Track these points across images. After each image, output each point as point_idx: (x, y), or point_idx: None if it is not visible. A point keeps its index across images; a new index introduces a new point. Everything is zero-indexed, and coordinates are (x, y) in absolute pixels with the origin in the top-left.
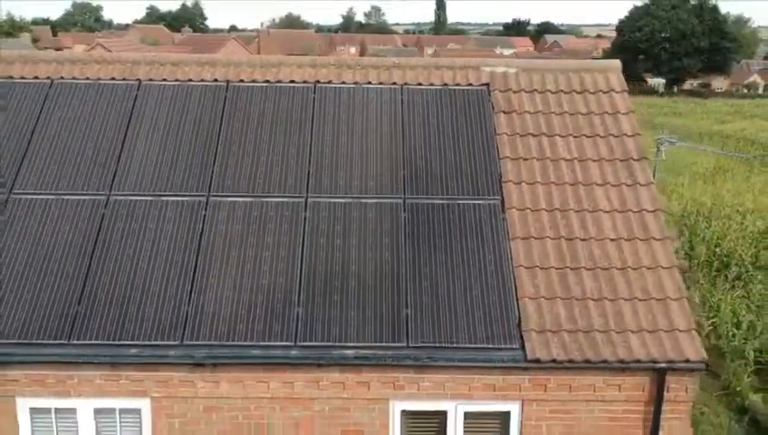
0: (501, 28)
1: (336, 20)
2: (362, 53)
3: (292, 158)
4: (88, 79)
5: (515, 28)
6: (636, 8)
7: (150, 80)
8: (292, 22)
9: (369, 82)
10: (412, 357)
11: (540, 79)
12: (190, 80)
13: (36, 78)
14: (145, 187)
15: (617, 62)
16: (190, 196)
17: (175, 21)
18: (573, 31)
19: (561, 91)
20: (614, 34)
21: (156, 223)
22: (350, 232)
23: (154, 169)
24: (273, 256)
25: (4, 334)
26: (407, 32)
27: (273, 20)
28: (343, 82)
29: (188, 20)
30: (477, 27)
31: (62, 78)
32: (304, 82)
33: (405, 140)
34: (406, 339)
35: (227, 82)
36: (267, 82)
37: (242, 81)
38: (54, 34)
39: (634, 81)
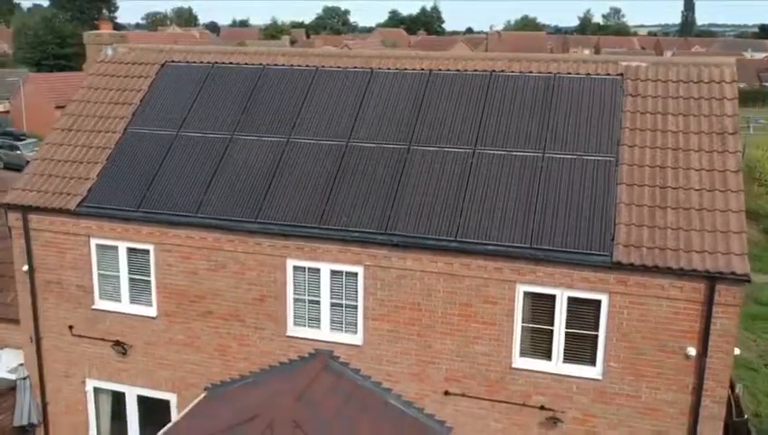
0: (757, 30)
1: (573, 22)
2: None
3: (468, 122)
4: (339, 67)
5: None
6: None
7: (379, 68)
8: (527, 24)
9: (531, 72)
10: (532, 253)
11: (665, 71)
12: (405, 69)
13: (307, 66)
14: (371, 138)
15: (731, 59)
16: (398, 145)
17: (414, 24)
18: None
19: (681, 80)
20: None
21: (376, 161)
22: (501, 173)
23: (377, 127)
24: (447, 183)
25: (283, 218)
26: (651, 34)
27: (508, 22)
28: (512, 71)
29: (426, 23)
30: (732, 29)
31: (323, 66)
32: (484, 70)
33: (550, 112)
34: (530, 241)
35: (430, 70)
36: (458, 70)
37: (440, 69)
38: (308, 36)
39: None
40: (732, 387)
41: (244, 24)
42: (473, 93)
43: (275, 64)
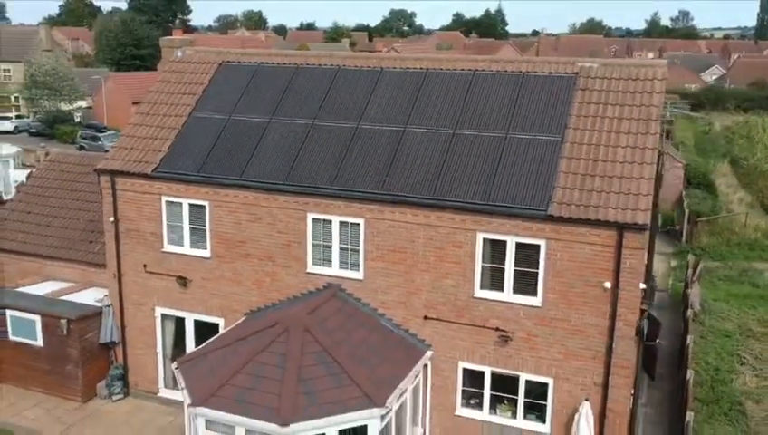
0: None
1: (641, 24)
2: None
3: (452, 110)
4: (356, 66)
5: None
6: None
7: (388, 67)
8: (592, 26)
9: (506, 70)
10: (488, 208)
11: (611, 70)
12: (408, 68)
13: (332, 65)
14: (376, 121)
15: (663, 61)
16: (396, 127)
17: (477, 27)
18: None
19: (622, 78)
20: None
21: (378, 139)
22: (473, 147)
23: (381, 113)
24: (431, 156)
25: (306, 181)
26: (726, 36)
27: (573, 25)
28: (491, 70)
29: (491, 26)
30: None
31: (344, 65)
32: (469, 69)
33: (516, 102)
34: (488, 199)
35: (427, 69)
36: (448, 69)
37: (434, 68)
38: (370, 39)
39: None
40: (642, 317)
41: (310, 26)
42: (458, 88)
43: (307, 64)
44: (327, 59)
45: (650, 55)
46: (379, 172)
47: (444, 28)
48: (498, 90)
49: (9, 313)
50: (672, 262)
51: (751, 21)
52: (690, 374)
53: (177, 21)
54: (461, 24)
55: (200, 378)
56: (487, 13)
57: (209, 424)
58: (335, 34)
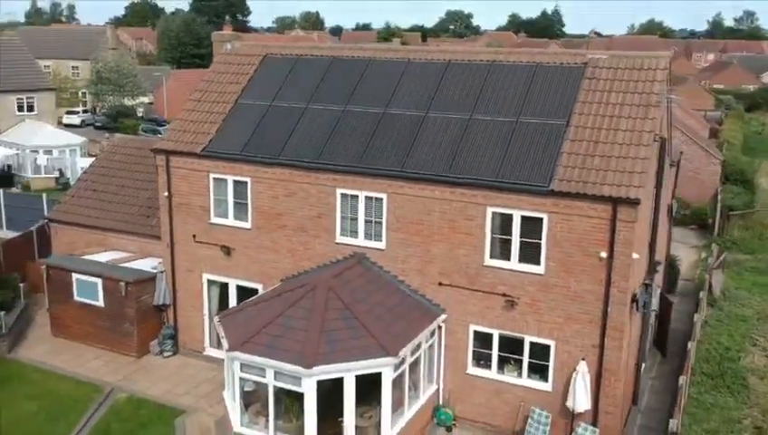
0: None
1: (704, 25)
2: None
3: (469, 97)
4: (387, 58)
5: None
6: None
7: (414, 59)
8: (652, 27)
9: (521, 61)
10: (497, 185)
11: (617, 61)
12: (432, 59)
13: (364, 57)
14: (400, 108)
15: (667, 53)
16: (418, 113)
17: (532, 27)
18: None
19: (627, 68)
20: None
21: (402, 123)
22: (486, 132)
23: (406, 100)
24: (448, 138)
25: (336, 160)
26: None
27: (632, 26)
28: (508, 61)
29: (547, 26)
30: None
31: (375, 58)
32: (486, 60)
33: (530, 89)
34: (496, 176)
35: (449, 60)
36: (469, 60)
37: (456, 60)
38: (424, 39)
39: None
40: (645, 290)
41: (366, 27)
42: (476, 77)
43: (342, 56)
44: (360, 51)
45: (710, 57)
46: (401, 152)
47: (500, 28)
48: (513, 79)
49: (75, 276)
50: (702, 254)
51: None
52: (690, 345)
53: (231, 20)
54: (517, 25)
55: (237, 328)
56: (544, 13)
57: (244, 367)
58: (387, 35)
